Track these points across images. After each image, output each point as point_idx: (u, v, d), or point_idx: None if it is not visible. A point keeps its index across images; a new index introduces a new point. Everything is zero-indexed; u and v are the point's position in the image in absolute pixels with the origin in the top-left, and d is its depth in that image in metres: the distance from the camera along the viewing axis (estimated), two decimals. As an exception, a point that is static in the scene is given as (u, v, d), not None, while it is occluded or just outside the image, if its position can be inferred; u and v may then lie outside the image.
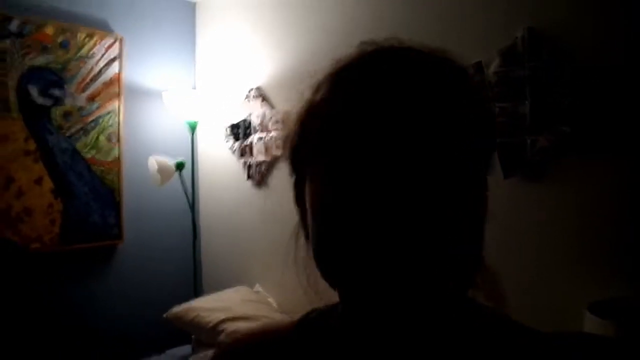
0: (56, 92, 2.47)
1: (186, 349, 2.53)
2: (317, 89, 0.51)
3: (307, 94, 0.53)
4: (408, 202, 0.42)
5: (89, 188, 2.60)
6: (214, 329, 2.26)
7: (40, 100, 2.42)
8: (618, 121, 1.66)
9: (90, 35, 2.58)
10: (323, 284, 0.54)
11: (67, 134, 2.52)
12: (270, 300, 2.66)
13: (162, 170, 2.64)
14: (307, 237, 0.54)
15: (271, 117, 2.71)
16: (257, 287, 2.77)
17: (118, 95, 2.69)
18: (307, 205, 0.50)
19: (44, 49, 2.42)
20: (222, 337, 2.22)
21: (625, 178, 1.63)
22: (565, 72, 1.76)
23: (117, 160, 2.71)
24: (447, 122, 0.44)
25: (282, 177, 2.69)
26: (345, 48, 0.53)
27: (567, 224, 1.75)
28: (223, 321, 2.27)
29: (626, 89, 1.63)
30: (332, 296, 0.56)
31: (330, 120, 0.46)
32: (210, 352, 2.26)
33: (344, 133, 0.44)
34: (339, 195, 0.44)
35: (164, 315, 2.45)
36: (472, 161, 0.46)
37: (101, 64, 2.63)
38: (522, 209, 1.81)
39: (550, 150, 1.80)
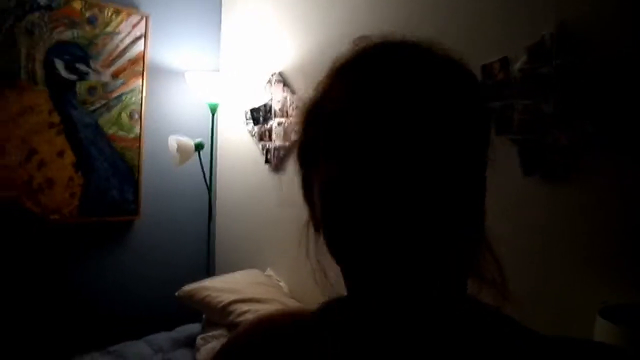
0: (82, 67, 2.50)
1: (195, 327, 2.56)
2: (320, 86, 0.54)
3: (312, 91, 0.55)
4: (410, 192, 0.44)
5: (109, 163, 2.64)
6: (224, 309, 2.29)
7: (65, 74, 2.45)
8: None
9: (117, 12, 2.60)
10: (332, 273, 0.57)
11: (91, 109, 2.55)
12: (282, 284, 2.68)
13: (182, 150, 2.66)
14: (316, 229, 0.57)
15: (292, 103, 2.71)
16: (269, 271, 2.80)
17: (142, 73, 2.72)
18: (316, 198, 0.52)
19: (72, 24, 2.45)
20: (231, 317, 2.25)
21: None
22: (592, 71, 1.73)
23: (138, 138, 2.74)
24: (446, 117, 0.45)
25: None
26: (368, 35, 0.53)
27: (583, 226, 1.72)
28: (233, 302, 2.30)
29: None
30: (340, 286, 0.58)
31: (336, 116, 0.48)
32: (219, 332, 2.30)
33: (350, 128, 0.46)
34: (346, 185, 0.46)
35: (176, 294, 2.48)
36: (470, 153, 0.47)
37: (127, 41, 2.65)
38: (538, 208, 1.79)
39: (571, 150, 1.77)
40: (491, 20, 1.97)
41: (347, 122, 0.46)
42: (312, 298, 2.71)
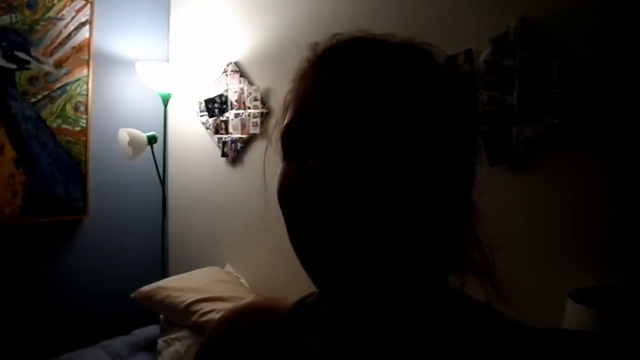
0: (21, 54, 2.29)
1: (153, 329, 2.45)
2: (296, 76, 0.52)
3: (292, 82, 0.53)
4: (378, 193, 0.42)
5: (54, 159, 2.45)
6: (187, 310, 2.20)
7: (3, 62, 2.24)
8: (606, 114, 1.69)
9: (60, -4, 2.41)
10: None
11: (32, 101, 2.36)
12: (242, 280, 2.62)
13: (134, 143, 2.53)
14: None
15: (250, 94, 2.63)
16: (228, 268, 2.72)
17: (88, 62, 2.54)
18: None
19: (9, 8, 2.24)
20: (195, 317, 2.16)
21: (610, 170, 1.67)
22: (555, 64, 1.78)
23: (85, 131, 2.56)
24: (420, 111, 0.44)
25: (259, 155, 2.63)
26: (329, 25, 0.52)
27: (550, 213, 1.78)
28: (196, 302, 2.21)
29: (616, 82, 1.66)
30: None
31: (304, 112, 0.46)
32: (181, 333, 2.21)
33: (317, 124, 0.44)
34: (306, 181, 0.44)
35: (132, 295, 2.36)
36: (445, 151, 0.46)
37: (71, 27, 2.46)
38: (506, 197, 1.83)
39: (535, 141, 1.82)
40: (456, 12, 1.99)
41: (304, 123, 0.45)
42: (275, 293, 2.68)
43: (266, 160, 0.62)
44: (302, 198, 0.44)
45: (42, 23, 2.36)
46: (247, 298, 2.37)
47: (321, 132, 0.44)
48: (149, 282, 2.41)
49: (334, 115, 0.44)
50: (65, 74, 2.47)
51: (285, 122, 0.49)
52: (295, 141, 0.46)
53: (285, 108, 0.52)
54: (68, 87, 2.48)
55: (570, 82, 1.75)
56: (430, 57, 0.50)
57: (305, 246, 0.45)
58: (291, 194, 0.45)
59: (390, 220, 0.42)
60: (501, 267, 0.53)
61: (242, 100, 2.67)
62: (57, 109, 2.45)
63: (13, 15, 2.26)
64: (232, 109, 2.71)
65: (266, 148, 0.58)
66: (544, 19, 1.81)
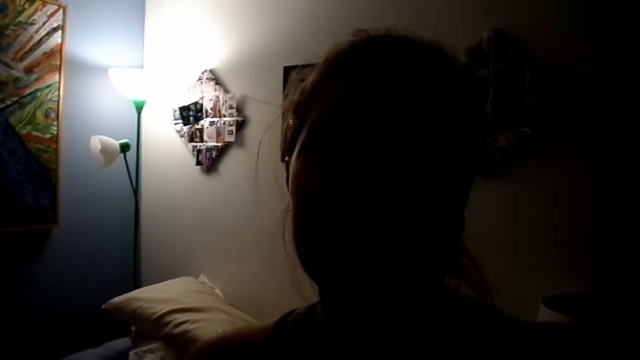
0: (-10, 59, 2.24)
1: (125, 341, 2.39)
2: (315, 76, 0.50)
3: (305, 80, 0.51)
4: (397, 196, 0.41)
5: (23, 166, 2.39)
6: (159, 321, 2.15)
7: (-30, 67, 2.19)
8: (578, 122, 1.72)
9: (31, 1, 2.36)
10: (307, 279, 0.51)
11: (0, 107, 2.29)
12: (217, 291, 2.58)
13: (106, 151, 2.48)
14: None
15: (225, 102, 2.61)
16: (202, 278, 2.68)
17: (59, 68, 2.49)
18: (290, 186, 0.48)
19: (-22, 11, 2.19)
20: (168, 329, 2.11)
21: (582, 178, 1.70)
22: (528, 74, 1.81)
23: (56, 138, 2.50)
24: (446, 122, 0.43)
25: (234, 164, 2.61)
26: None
27: (524, 220, 1.81)
28: (169, 312, 2.17)
29: (587, 91, 1.70)
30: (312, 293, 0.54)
31: (330, 110, 0.45)
32: (154, 345, 2.16)
33: (341, 124, 0.43)
34: (327, 182, 0.43)
35: (103, 306, 2.30)
36: (465, 161, 0.45)
37: (42, 32, 2.41)
38: (480, 205, 1.84)
39: (509, 149, 1.85)
40: (431, 22, 2.00)
41: (341, 122, 0.44)
42: (250, 304, 2.65)
43: (238, 170, 0.61)
44: (334, 197, 0.42)
45: (12, 27, 2.30)
46: (222, 308, 2.34)
47: (367, 137, 0.42)
48: (121, 293, 2.35)
49: (383, 122, 0.42)
50: (36, 79, 2.41)
51: (321, 116, 0.46)
52: (331, 139, 0.44)
53: (306, 94, 0.50)
54: (38, 93, 2.42)
55: (542, 91, 1.79)
56: (466, 68, 0.50)
57: (324, 244, 0.43)
58: (321, 193, 0.43)
59: (423, 221, 0.42)
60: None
61: (217, 108, 2.64)
62: (26, 116, 2.39)
63: (-19, 19, 2.20)
64: (207, 116, 2.68)
65: (258, 153, 0.57)
66: (516, 30, 1.85)
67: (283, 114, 0.56)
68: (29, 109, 2.39)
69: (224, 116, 2.62)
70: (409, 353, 0.48)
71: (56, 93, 2.49)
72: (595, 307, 1.56)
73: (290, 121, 0.52)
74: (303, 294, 0.58)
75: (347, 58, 0.48)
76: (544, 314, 1.55)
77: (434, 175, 0.42)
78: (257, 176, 0.65)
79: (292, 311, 0.58)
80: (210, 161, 2.69)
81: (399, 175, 0.41)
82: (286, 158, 0.53)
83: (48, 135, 2.48)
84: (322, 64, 0.50)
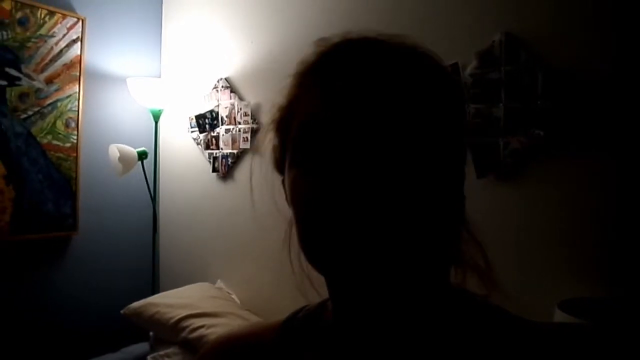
0: (12, 71, 2.31)
1: (143, 346, 2.42)
2: (289, 92, 0.51)
3: (280, 97, 0.53)
4: (385, 191, 0.42)
5: (44, 175, 2.45)
6: (176, 326, 2.18)
7: (-6, 79, 2.26)
8: (590, 125, 1.71)
9: (51, 14, 2.43)
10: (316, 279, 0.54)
11: (22, 117, 2.36)
12: (234, 296, 2.60)
13: (124, 159, 2.53)
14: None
15: (240, 109, 2.65)
16: (219, 284, 2.70)
17: (79, 78, 2.55)
18: (289, 200, 0.50)
19: (1, 25, 2.26)
20: (184, 334, 2.14)
21: (596, 180, 1.68)
22: (540, 77, 1.80)
23: (75, 147, 2.57)
24: (423, 114, 0.45)
25: (249, 171, 2.64)
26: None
27: (538, 224, 1.79)
28: (186, 317, 2.19)
29: (600, 94, 1.68)
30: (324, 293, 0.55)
31: (308, 125, 0.46)
32: (171, 350, 2.19)
33: (321, 132, 0.45)
34: (319, 190, 0.44)
35: (122, 312, 2.34)
36: (446, 151, 0.46)
37: (62, 44, 2.48)
38: (494, 208, 1.84)
39: (522, 152, 1.84)
40: (442, 26, 2.01)
41: (320, 130, 0.45)
42: (266, 309, 2.66)
43: (253, 176, 0.62)
44: (329, 204, 0.43)
45: (33, 40, 2.38)
46: (239, 313, 2.36)
47: (346, 139, 0.43)
48: (140, 299, 2.39)
49: (359, 123, 0.43)
50: (56, 90, 2.48)
51: (300, 128, 0.48)
52: (314, 148, 0.45)
53: (284, 110, 0.51)
54: (59, 104, 2.49)
55: (554, 94, 1.77)
56: (437, 62, 0.50)
57: (327, 245, 0.45)
58: (316, 201, 0.45)
59: (412, 213, 0.43)
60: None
61: (232, 116, 2.68)
62: (47, 125, 2.46)
63: (4, 32, 2.28)
64: (222, 124, 2.72)
65: (253, 159, 0.58)
66: (527, 32, 1.84)
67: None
68: (49, 118, 2.46)
69: (239, 123, 2.65)
70: (417, 348, 0.48)
71: (76, 103, 2.56)
72: (610, 310, 1.54)
73: (275, 138, 0.54)
74: (311, 299, 0.59)
75: (314, 69, 0.49)
76: (560, 318, 1.53)
77: (413, 165, 0.43)
78: (267, 183, 0.67)
79: (303, 308, 0.60)
80: (226, 168, 2.72)
81: (380, 171, 0.42)
82: (282, 178, 0.54)
83: (68, 145, 2.54)
84: (293, 79, 0.51)
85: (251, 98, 2.63)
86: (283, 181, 0.53)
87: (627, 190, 1.64)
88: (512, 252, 1.78)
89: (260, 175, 0.60)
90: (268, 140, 0.55)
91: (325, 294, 0.55)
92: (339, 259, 0.44)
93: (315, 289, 0.57)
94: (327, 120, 0.44)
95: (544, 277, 1.75)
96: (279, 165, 0.54)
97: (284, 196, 0.53)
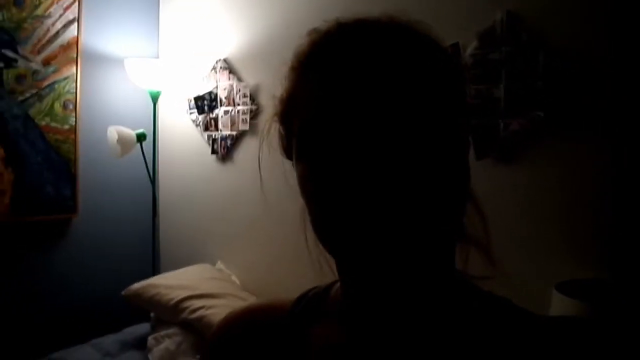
0: (9, 52, 2.29)
1: (144, 327, 2.45)
2: (287, 83, 0.51)
3: (279, 88, 0.53)
4: (390, 175, 0.43)
5: (43, 157, 2.45)
6: (176, 307, 2.20)
7: (-10, 61, 2.24)
8: (591, 107, 1.70)
9: (46, -6, 2.40)
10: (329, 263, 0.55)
11: (20, 99, 2.35)
12: (234, 278, 2.61)
13: (123, 141, 2.52)
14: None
15: (239, 90, 2.63)
16: (219, 265, 2.72)
17: (76, 59, 2.53)
18: (300, 191, 0.50)
19: (-4, 6, 2.24)
20: (184, 315, 2.16)
21: (596, 162, 1.68)
22: (541, 57, 1.79)
23: (74, 129, 2.56)
24: (423, 97, 0.45)
25: (249, 152, 2.63)
26: (317, 22, 0.51)
27: (537, 205, 1.79)
28: (186, 299, 2.21)
29: (601, 75, 1.67)
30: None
31: (309, 116, 0.47)
32: (171, 330, 2.21)
33: (321, 128, 0.45)
34: (327, 182, 0.45)
35: (122, 293, 2.36)
36: (448, 132, 0.46)
37: (58, 25, 2.45)
38: (493, 190, 1.83)
39: (522, 134, 1.83)
40: (442, 6, 1.99)
41: (320, 127, 0.45)
42: (266, 290, 2.67)
43: (256, 159, 0.62)
44: (338, 195, 0.44)
45: (29, 21, 2.35)
46: (238, 294, 2.37)
47: (347, 131, 0.44)
48: (140, 280, 2.41)
49: (359, 114, 0.44)
50: (54, 72, 2.46)
51: (302, 126, 0.48)
52: (316, 144, 0.46)
53: (285, 103, 0.51)
54: (56, 85, 2.47)
55: (555, 75, 1.76)
56: (436, 42, 0.50)
57: (338, 230, 0.46)
58: (325, 193, 0.46)
59: (418, 196, 0.44)
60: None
61: (231, 97, 2.66)
62: (45, 107, 2.44)
63: (0, 14, 2.25)
64: (221, 106, 2.71)
65: (260, 146, 0.58)
66: (529, 12, 1.82)
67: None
68: (47, 100, 2.44)
69: (238, 105, 2.64)
70: (422, 328, 0.49)
71: (73, 85, 2.54)
72: (607, 293, 1.55)
73: (281, 130, 0.55)
74: (322, 275, 0.60)
75: (311, 59, 0.49)
76: (557, 299, 1.54)
77: (416, 149, 0.44)
78: (269, 165, 0.67)
79: (313, 288, 0.61)
80: (225, 150, 2.71)
81: (385, 158, 0.43)
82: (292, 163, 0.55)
83: (67, 127, 2.53)
84: (291, 71, 0.51)
85: (250, 79, 2.61)
86: (293, 165, 0.54)
87: (626, 172, 1.64)
88: (510, 234, 1.78)
89: (264, 157, 0.60)
90: (273, 129, 0.56)
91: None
92: (349, 242, 0.45)
93: (330, 268, 0.58)
94: (326, 115, 0.45)
95: (542, 259, 1.76)
96: (287, 152, 0.55)
97: (294, 177, 0.53)
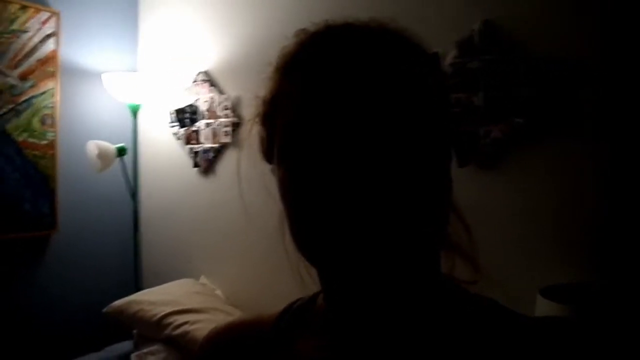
0: (-16, 67, 2.26)
1: (126, 345, 2.40)
2: (270, 84, 0.51)
3: (262, 89, 0.52)
4: (372, 182, 0.43)
5: (20, 174, 2.40)
6: (159, 323, 2.16)
7: (-35, 76, 2.20)
8: (570, 113, 1.72)
9: (23, 8, 2.37)
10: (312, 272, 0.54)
11: (-4, 114, 2.31)
12: (218, 292, 2.58)
13: (103, 155, 2.49)
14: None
15: (220, 103, 2.62)
16: (203, 279, 2.68)
17: (54, 74, 2.50)
18: (280, 195, 0.50)
19: (-30, 20, 2.21)
20: (168, 331, 2.12)
21: (576, 167, 1.70)
22: (519, 65, 1.81)
23: (52, 145, 2.52)
24: (407, 103, 0.45)
25: (231, 165, 2.62)
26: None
27: (519, 211, 1.80)
28: (169, 314, 2.17)
29: (579, 81, 1.70)
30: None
31: (290, 122, 0.46)
32: (155, 347, 2.17)
33: (304, 133, 0.45)
34: (307, 187, 0.45)
35: (104, 310, 2.31)
36: (432, 139, 0.46)
37: (36, 39, 2.42)
38: (475, 197, 1.84)
39: (502, 140, 1.85)
40: (421, 16, 2.00)
41: (303, 131, 0.45)
42: (250, 303, 2.65)
43: (238, 170, 0.62)
44: (318, 200, 0.44)
45: (5, 35, 2.32)
46: (223, 308, 2.34)
47: (329, 137, 0.43)
48: (122, 297, 2.36)
49: (342, 118, 0.43)
50: (31, 86, 2.42)
51: (284, 129, 0.47)
52: (299, 148, 0.45)
53: (268, 105, 0.51)
54: (34, 100, 2.44)
55: (534, 82, 1.78)
56: (420, 46, 0.50)
57: (317, 238, 0.46)
58: (304, 198, 0.45)
59: (400, 203, 0.43)
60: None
61: (212, 110, 2.65)
62: (23, 123, 2.40)
63: (-25, 28, 2.22)
64: (203, 118, 2.69)
65: (239, 156, 0.58)
66: (507, 21, 1.85)
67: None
68: (25, 116, 2.40)
69: (220, 117, 2.62)
70: (408, 336, 0.49)
71: (52, 99, 2.51)
72: (592, 297, 1.56)
73: (262, 132, 0.54)
74: (305, 286, 0.59)
75: (295, 62, 0.48)
76: (541, 304, 1.55)
77: (399, 155, 0.43)
78: (250, 177, 0.66)
79: (298, 300, 0.60)
80: (207, 163, 2.69)
81: (367, 165, 0.42)
82: (271, 167, 0.54)
83: (45, 142, 2.49)
84: (275, 72, 0.50)
85: (231, 91, 2.60)
86: (272, 170, 0.53)
87: (608, 176, 1.66)
88: (494, 240, 1.79)
89: (245, 169, 0.60)
90: (254, 133, 0.55)
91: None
92: (329, 250, 0.45)
93: (311, 277, 0.58)
94: (310, 118, 0.44)
95: (526, 263, 1.77)
96: (268, 155, 0.54)
97: (274, 184, 0.53)
